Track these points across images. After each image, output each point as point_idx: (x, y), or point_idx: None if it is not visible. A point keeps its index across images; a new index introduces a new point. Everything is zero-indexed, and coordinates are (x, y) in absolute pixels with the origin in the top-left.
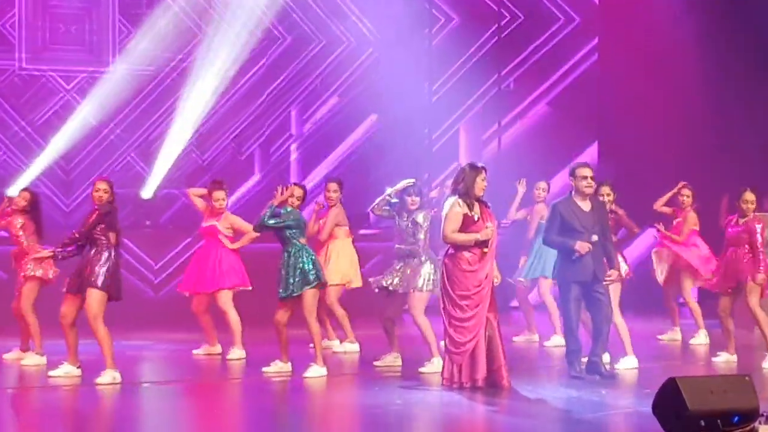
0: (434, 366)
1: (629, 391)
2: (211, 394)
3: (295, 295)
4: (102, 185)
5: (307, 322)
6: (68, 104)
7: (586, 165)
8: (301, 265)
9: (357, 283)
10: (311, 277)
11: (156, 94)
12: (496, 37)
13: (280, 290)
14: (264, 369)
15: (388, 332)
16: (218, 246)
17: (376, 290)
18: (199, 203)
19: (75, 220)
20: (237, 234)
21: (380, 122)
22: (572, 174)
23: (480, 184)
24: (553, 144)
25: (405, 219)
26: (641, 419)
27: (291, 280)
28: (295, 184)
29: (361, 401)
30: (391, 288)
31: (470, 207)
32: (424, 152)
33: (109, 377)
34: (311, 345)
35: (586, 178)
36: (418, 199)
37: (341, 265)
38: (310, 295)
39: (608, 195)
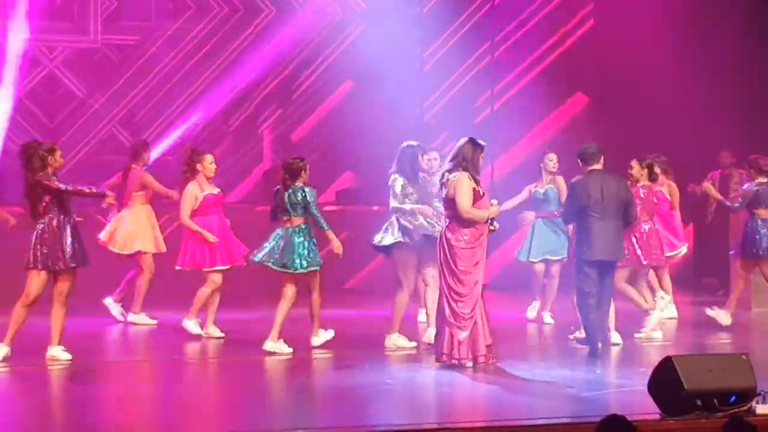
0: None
1: (624, 369)
2: (204, 373)
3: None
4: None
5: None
6: (51, 74)
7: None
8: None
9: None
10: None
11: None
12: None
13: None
14: (264, 347)
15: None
16: (224, 216)
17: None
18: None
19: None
20: None
21: (369, 92)
22: None
23: (481, 161)
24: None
25: (436, 180)
26: (637, 397)
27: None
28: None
29: (349, 381)
30: None
31: (477, 183)
32: (415, 122)
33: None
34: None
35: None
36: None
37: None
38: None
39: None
